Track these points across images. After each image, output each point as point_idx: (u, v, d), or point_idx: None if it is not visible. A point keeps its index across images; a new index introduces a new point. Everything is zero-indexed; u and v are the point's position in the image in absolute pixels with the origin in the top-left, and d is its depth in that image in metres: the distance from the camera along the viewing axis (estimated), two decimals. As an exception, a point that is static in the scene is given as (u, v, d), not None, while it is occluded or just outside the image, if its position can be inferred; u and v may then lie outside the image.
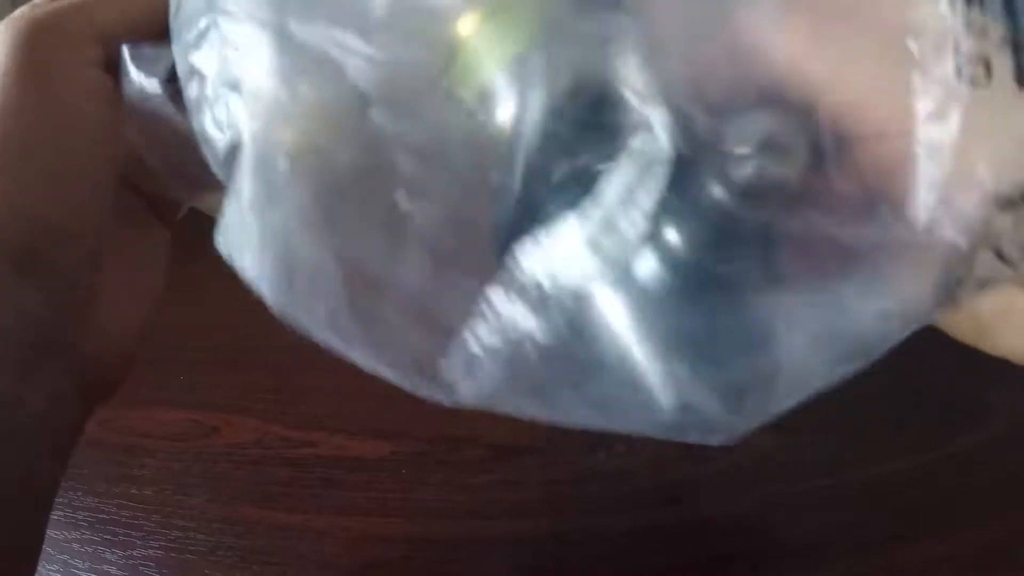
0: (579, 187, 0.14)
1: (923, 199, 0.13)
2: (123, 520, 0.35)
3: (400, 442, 0.38)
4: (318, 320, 0.16)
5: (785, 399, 0.14)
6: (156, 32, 0.19)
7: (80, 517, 0.35)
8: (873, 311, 0.13)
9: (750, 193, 0.13)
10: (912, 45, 0.13)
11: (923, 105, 0.13)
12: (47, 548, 0.34)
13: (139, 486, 0.37)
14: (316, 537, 0.33)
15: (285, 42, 0.15)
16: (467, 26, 0.15)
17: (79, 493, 0.37)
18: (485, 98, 0.15)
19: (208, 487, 0.36)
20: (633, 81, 0.14)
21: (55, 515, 0.35)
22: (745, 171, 0.13)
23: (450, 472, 0.35)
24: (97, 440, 0.40)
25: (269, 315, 0.58)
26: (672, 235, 0.14)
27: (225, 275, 0.62)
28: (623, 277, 0.14)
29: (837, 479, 0.30)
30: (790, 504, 0.30)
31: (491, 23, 0.15)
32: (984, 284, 0.14)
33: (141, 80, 0.20)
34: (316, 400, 0.41)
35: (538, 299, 0.15)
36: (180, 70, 0.18)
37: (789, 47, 0.14)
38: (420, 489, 0.35)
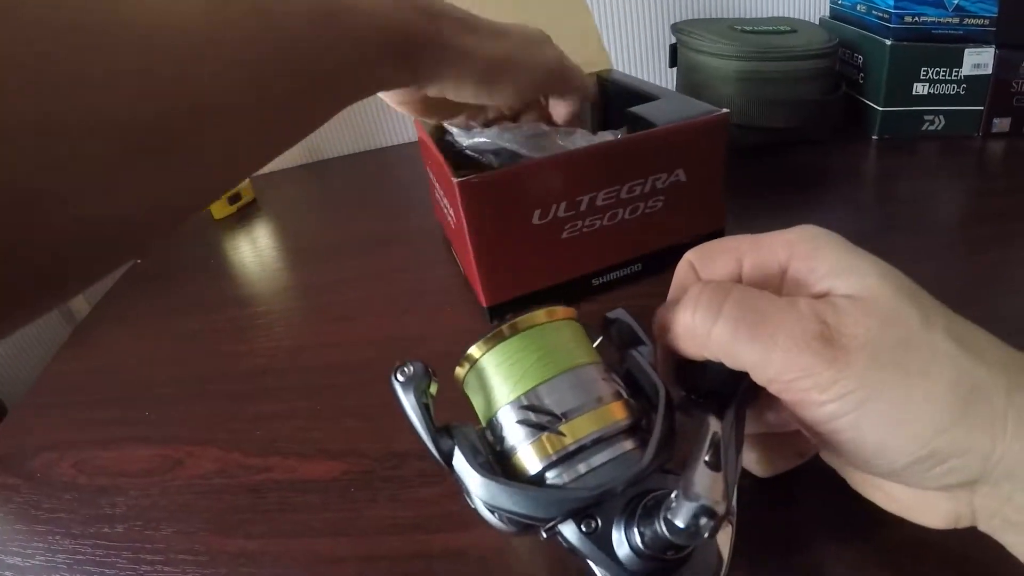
0: None
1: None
2: (97, 559, 0.36)
3: (349, 461, 0.38)
4: None
5: None
6: None
7: (59, 560, 0.36)
8: None
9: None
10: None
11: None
12: (30, 594, 0.35)
13: (111, 524, 0.38)
14: (272, 561, 0.33)
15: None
16: None
17: (57, 536, 0.38)
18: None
19: (173, 520, 0.37)
20: None
21: (35, 561, 0.36)
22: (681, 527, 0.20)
23: (396, 488, 0.36)
24: (73, 483, 0.42)
25: (225, 345, 0.59)
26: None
27: (183, 311, 0.63)
28: None
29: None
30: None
31: None
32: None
33: None
34: (271, 425, 0.42)
35: None
36: None
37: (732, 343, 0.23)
38: (369, 507, 0.35)
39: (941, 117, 0.66)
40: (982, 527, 0.23)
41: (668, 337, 0.26)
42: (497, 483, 0.24)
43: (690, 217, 0.49)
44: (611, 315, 0.30)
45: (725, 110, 0.46)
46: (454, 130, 0.48)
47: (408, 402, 0.26)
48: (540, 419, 0.25)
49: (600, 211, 0.45)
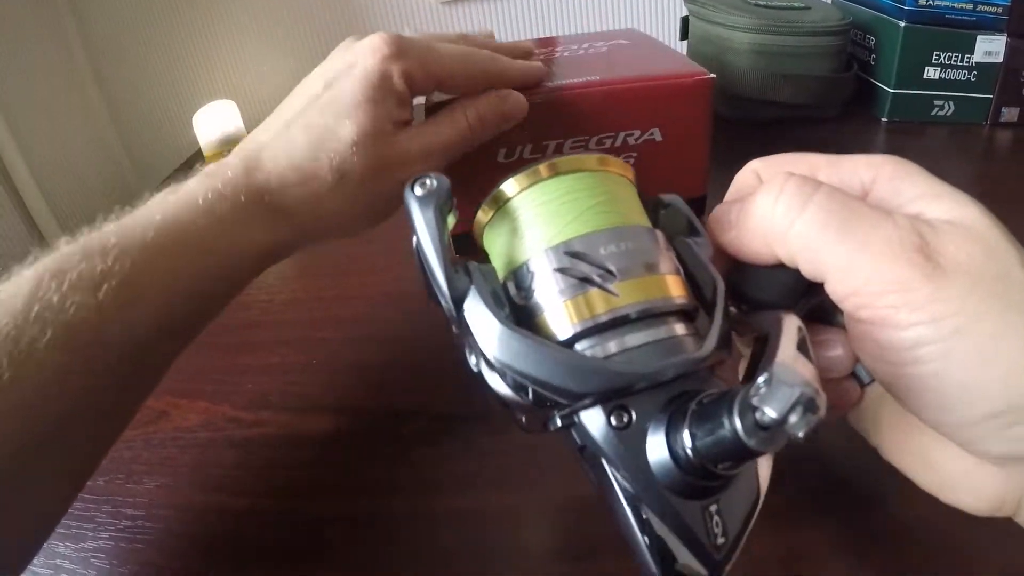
0: None
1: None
2: (76, 512, 0.34)
3: (346, 418, 0.36)
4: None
5: None
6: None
7: (33, 511, 0.35)
8: None
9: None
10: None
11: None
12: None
13: (92, 476, 0.36)
14: (259, 521, 0.32)
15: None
16: None
17: (33, 487, 0.36)
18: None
19: (156, 474, 0.35)
20: None
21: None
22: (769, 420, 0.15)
23: (395, 447, 0.34)
24: (50, 432, 0.40)
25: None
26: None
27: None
28: None
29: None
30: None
31: None
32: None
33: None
34: (263, 379, 0.40)
35: None
36: None
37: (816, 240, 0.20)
38: (365, 466, 0.33)
39: (951, 103, 0.65)
40: None
41: (730, 234, 0.23)
42: (521, 337, 0.19)
43: (667, 180, 0.48)
44: (665, 198, 0.25)
45: (711, 75, 0.44)
46: None
47: (423, 219, 0.21)
48: (590, 270, 0.20)
49: (568, 159, 0.46)
